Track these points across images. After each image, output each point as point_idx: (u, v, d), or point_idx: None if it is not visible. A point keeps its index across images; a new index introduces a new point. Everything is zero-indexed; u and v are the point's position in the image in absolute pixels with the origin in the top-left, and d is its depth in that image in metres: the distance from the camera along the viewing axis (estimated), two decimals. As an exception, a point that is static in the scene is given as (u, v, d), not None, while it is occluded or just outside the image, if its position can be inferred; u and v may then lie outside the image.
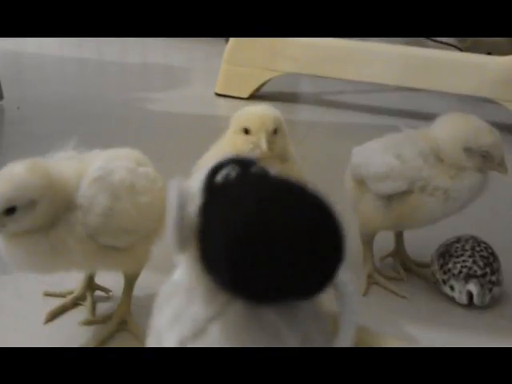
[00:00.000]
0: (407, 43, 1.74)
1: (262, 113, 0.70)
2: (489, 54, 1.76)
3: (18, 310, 0.72)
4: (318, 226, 0.34)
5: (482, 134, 0.75)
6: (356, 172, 0.83)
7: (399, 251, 0.89)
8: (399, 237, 0.89)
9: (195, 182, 0.39)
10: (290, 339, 0.36)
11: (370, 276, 0.84)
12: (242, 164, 0.39)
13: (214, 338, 0.36)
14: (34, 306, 0.73)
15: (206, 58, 2.21)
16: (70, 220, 0.61)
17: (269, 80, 1.72)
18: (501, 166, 0.76)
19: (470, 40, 1.91)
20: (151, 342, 0.40)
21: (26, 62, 2.02)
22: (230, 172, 0.38)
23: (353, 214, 0.84)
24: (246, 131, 0.69)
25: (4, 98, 1.50)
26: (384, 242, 0.88)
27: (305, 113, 1.73)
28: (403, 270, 0.87)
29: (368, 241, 0.85)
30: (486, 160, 0.75)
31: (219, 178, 0.38)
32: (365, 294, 0.81)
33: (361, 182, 0.82)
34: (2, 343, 0.66)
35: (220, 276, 0.35)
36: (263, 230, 0.33)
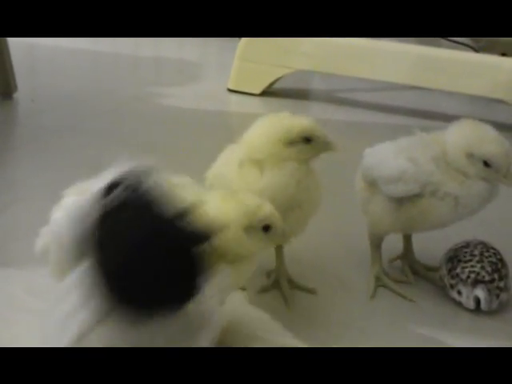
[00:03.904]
0: (421, 42, 1.73)
1: (312, 122, 0.74)
2: (503, 54, 1.75)
3: (29, 306, 0.72)
4: (177, 252, 0.44)
5: (487, 141, 0.74)
6: (367, 173, 0.82)
7: (408, 254, 0.89)
8: (408, 239, 0.89)
9: (88, 200, 0.45)
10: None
11: (377, 278, 0.84)
12: (133, 184, 0.44)
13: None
14: (46, 301, 0.73)
15: (218, 53, 2.21)
16: None
17: (281, 77, 1.72)
18: (506, 177, 0.74)
19: (484, 40, 1.90)
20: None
21: (40, 55, 2.03)
22: (120, 195, 0.44)
23: (362, 216, 0.84)
24: (308, 140, 0.72)
25: (18, 91, 1.51)
26: (392, 244, 0.88)
27: (316, 110, 1.73)
28: (411, 273, 0.87)
29: (377, 243, 0.85)
30: (490, 170, 0.74)
31: (109, 200, 0.44)
32: (372, 297, 0.82)
33: (372, 184, 0.82)
34: (12, 340, 0.67)
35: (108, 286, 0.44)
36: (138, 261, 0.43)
